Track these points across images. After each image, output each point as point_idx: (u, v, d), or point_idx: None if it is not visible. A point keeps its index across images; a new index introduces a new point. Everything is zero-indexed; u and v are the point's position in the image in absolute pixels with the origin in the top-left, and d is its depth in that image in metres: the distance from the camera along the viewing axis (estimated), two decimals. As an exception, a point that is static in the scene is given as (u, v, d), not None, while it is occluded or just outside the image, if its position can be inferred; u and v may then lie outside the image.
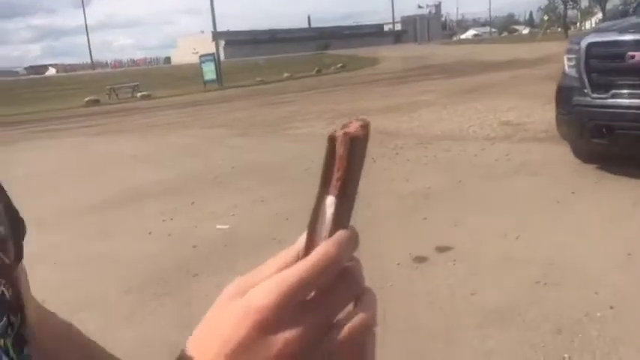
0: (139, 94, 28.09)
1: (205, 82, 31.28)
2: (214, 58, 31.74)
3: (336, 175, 0.44)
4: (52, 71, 66.98)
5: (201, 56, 32.72)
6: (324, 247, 0.37)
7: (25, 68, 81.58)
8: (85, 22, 56.54)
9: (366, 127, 0.47)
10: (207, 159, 8.66)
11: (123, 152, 10.12)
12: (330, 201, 0.42)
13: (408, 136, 9.20)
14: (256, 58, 50.30)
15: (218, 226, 5.20)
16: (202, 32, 37.19)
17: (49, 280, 4.14)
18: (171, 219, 5.63)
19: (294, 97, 19.78)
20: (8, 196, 0.53)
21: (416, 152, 7.88)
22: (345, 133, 0.44)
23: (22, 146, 12.89)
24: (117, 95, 28.57)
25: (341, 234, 0.38)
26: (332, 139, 0.45)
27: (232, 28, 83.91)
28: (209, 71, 31.59)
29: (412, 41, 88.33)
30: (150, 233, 5.24)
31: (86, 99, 26.36)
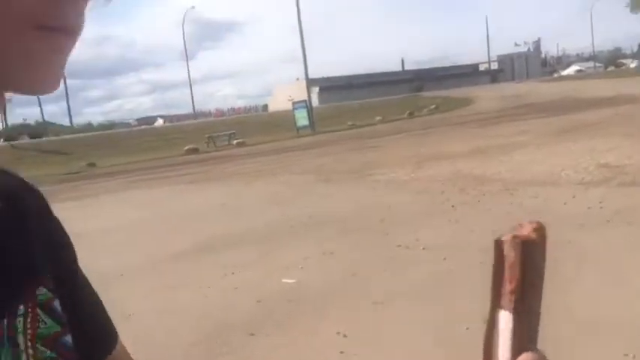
0: (234, 142, 29.18)
1: (298, 129, 32.02)
2: (306, 104, 32.47)
3: (509, 286, 0.41)
4: (159, 122, 71.36)
5: (293, 103, 33.62)
6: None
7: (137, 120, 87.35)
8: (189, 75, 60.00)
9: (540, 230, 0.44)
10: (288, 207, 8.70)
11: (212, 201, 10.41)
12: (505, 317, 0.39)
13: (494, 182, 8.78)
14: (350, 103, 50.93)
15: (284, 280, 5.13)
16: (297, 79, 38.28)
17: (120, 331, 4.21)
18: (242, 271, 5.63)
19: (382, 141, 19.72)
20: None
21: (500, 199, 7.48)
22: (515, 237, 0.41)
23: (120, 196, 13.64)
24: (215, 143, 29.82)
25: None
26: (499, 244, 0.42)
27: (328, 74, 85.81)
28: (301, 117, 32.36)
29: (509, 80, 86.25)
30: (220, 286, 5.26)
31: (186, 148, 27.71)
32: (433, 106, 40.82)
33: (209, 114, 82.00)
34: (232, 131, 31.42)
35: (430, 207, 7.56)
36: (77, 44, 0.43)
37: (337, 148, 19.02)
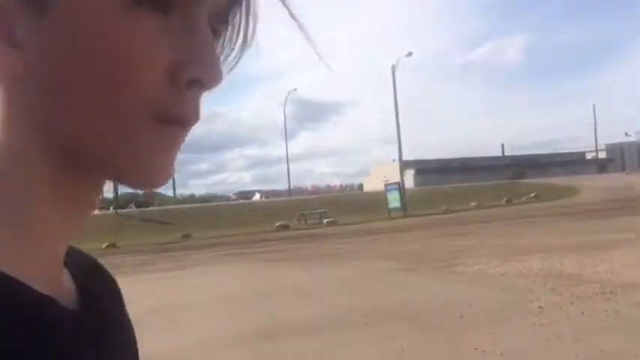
0: (325, 221, 29.29)
1: (390, 210, 31.73)
2: (399, 186, 32.26)
3: None
4: (257, 196, 73.48)
5: (386, 185, 33.54)
6: None
7: (236, 193, 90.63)
8: (287, 152, 61.91)
9: None
10: (362, 296, 8.37)
11: (287, 282, 10.27)
12: None
13: (590, 283, 8.02)
14: (445, 187, 50.12)
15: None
16: (394, 161, 38.33)
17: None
18: (302, 364, 5.35)
19: (474, 228, 18.97)
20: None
21: (595, 304, 6.76)
22: None
23: (206, 270, 13.83)
24: (306, 221, 30.11)
25: None
26: None
27: (425, 156, 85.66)
28: (394, 199, 32.12)
29: (619, 171, 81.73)
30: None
31: (277, 224, 28.12)
32: (532, 194, 39.24)
33: (305, 190, 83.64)
34: (324, 210, 31.64)
35: (515, 306, 6.96)
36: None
37: (426, 234, 18.49)
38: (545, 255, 10.93)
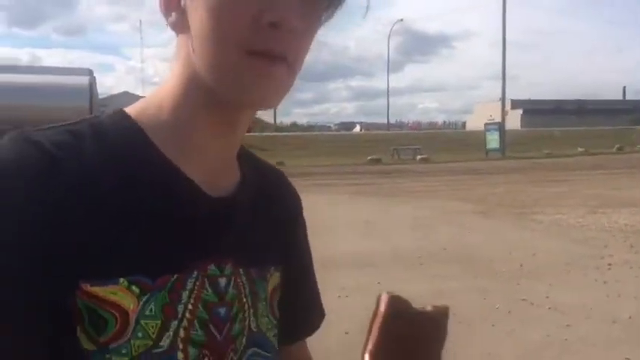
0: (418, 157, 28.87)
1: (487, 151, 30.65)
2: (499, 126, 30.95)
3: (368, 336, 0.47)
4: (357, 128, 73.41)
5: (486, 124, 32.28)
6: None
7: (337, 124, 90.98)
8: (388, 86, 61.06)
9: (441, 309, 0.53)
10: (427, 236, 8.30)
11: (359, 216, 10.35)
12: None
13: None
14: (553, 129, 47.46)
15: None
16: (500, 99, 36.57)
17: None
18: (347, 296, 5.46)
19: (572, 175, 17.97)
20: None
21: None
22: (388, 293, 0.49)
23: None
24: (399, 156, 29.84)
25: None
26: (378, 298, 0.50)
27: (536, 96, 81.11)
28: (492, 140, 30.93)
29: None
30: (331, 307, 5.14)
31: (369, 157, 28.09)
32: (649, 143, 36.26)
33: (406, 125, 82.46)
34: (418, 146, 31.13)
35: (582, 261, 6.65)
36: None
37: (518, 178, 17.78)
38: (637, 209, 10.22)
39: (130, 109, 0.63)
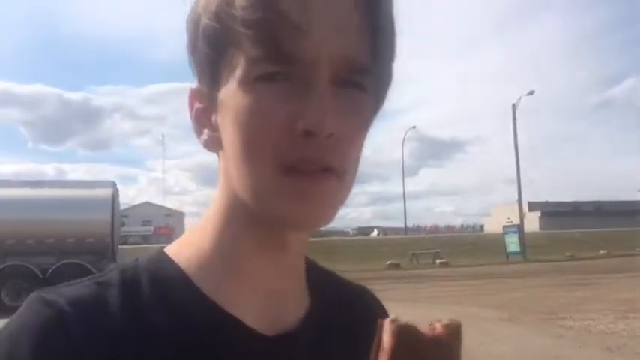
0: (438, 261, 28.52)
1: (508, 254, 30.26)
2: (518, 229, 30.75)
3: None
4: (375, 233, 73.19)
5: (504, 226, 32.10)
6: None
7: (354, 229, 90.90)
8: (404, 189, 61.44)
9: (450, 327, 0.44)
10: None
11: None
12: None
13: None
14: (573, 232, 46.95)
15: None
16: (517, 202, 36.70)
17: None
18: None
19: (598, 278, 17.55)
20: None
21: None
22: (393, 321, 0.42)
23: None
24: (418, 260, 29.50)
25: None
26: (380, 326, 0.43)
27: (552, 198, 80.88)
28: (512, 243, 30.61)
29: None
30: None
31: (388, 262, 27.82)
32: (673, 244, 35.55)
33: (423, 229, 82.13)
34: (437, 250, 30.85)
35: (618, 371, 6.36)
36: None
37: (541, 281, 17.40)
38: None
39: (170, 248, 0.60)
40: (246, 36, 0.50)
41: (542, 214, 69.42)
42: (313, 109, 0.49)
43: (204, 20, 0.53)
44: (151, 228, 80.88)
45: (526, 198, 46.87)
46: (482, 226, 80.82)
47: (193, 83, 0.59)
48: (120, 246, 17.95)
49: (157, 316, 0.54)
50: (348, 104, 0.52)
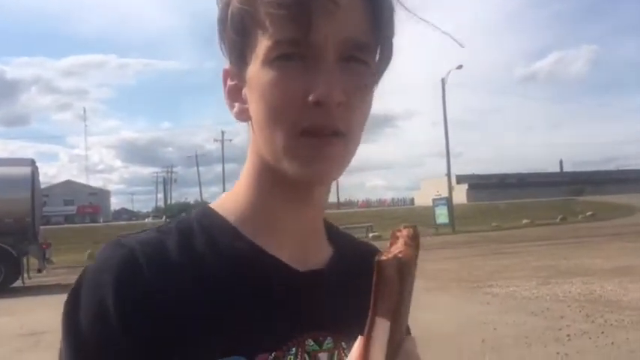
0: (370, 235, 28.97)
1: (437, 226, 31.13)
2: (447, 201, 31.63)
3: (388, 300, 0.47)
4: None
5: (434, 199, 32.96)
6: None
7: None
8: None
9: (415, 238, 0.52)
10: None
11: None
12: (382, 324, 0.47)
13: (629, 310, 7.54)
14: (498, 203, 48.85)
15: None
16: (446, 175, 37.66)
17: None
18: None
19: (520, 247, 18.33)
20: None
21: (627, 333, 6.33)
22: (396, 257, 0.49)
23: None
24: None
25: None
26: (380, 264, 0.49)
27: (480, 171, 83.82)
28: (441, 215, 31.50)
29: (688, 188, 77.64)
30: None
31: (321, 237, 28.01)
32: (589, 213, 37.73)
33: (355, 203, 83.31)
34: (370, 224, 31.35)
35: (542, 333, 6.60)
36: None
37: (470, 251, 18.01)
38: (587, 278, 10.40)
39: (214, 204, 0.72)
40: (277, 16, 0.59)
41: (469, 186, 71.78)
42: (322, 82, 0.59)
43: (234, 4, 0.63)
44: (74, 207, 77.99)
45: (454, 171, 48.13)
46: (412, 200, 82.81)
47: (226, 64, 0.69)
48: (41, 227, 17.12)
49: (209, 256, 0.64)
50: (352, 77, 0.61)
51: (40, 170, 17.09)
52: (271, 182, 0.67)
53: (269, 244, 0.67)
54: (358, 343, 0.50)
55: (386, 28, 0.63)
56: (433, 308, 8.55)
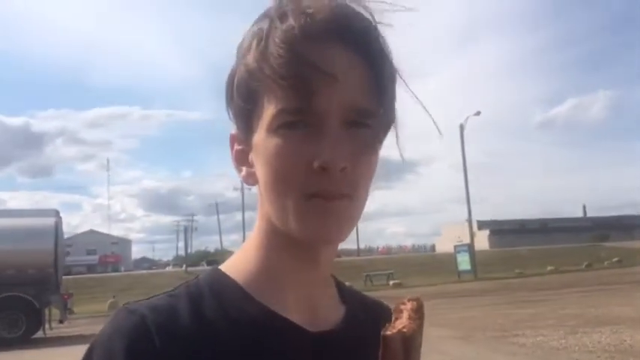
0: (391, 282, 28.63)
1: (459, 273, 30.68)
2: (469, 248, 31.26)
3: None
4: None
5: (455, 246, 32.58)
6: None
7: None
8: (357, 212, 61.59)
9: (420, 309, 0.54)
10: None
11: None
12: None
13: (662, 362, 7.29)
14: (520, 249, 48.09)
15: None
16: (466, 221, 37.35)
17: None
18: None
19: (546, 295, 17.94)
20: None
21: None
22: (400, 332, 0.51)
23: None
24: (372, 282, 29.54)
25: None
26: (386, 339, 0.51)
27: (501, 217, 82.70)
28: (463, 261, 31.09)
29: None
30: None
31: (342, 285, 27.70)
32: (615, 259, 36.96)
33: (375, 250, 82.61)
34: (390, 271, 31.04)
35: (572, 386, 6.40)
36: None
37: (493, 299, 17.65)
38: (617, 327, 10.10)
39: (223, 266, 0.73)
40: (280, 86, 0.61)
41: (490, 232, 70.86)
42: (326, 148, 0.61)
43: (240, 74, 0.66)
44: (96, 257, 78.43)
45: (475, 216, 47.67)
46: (433, 246, 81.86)
47: (232, 129, 0.72)
48: (63, 276, 17.23)
49: (219, 322, 0.65)
50: (356, 142, 0.63)
51: (63, 220, 17.31)
52: (280, 244, 0.68)
53: (279, 305, 0.68)
54: None
55: (386, 93, 0.65)
56: (458, 359, 8.37)
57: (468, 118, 35.61)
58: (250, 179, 0.70)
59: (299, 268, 0.69)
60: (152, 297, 0.68)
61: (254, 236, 0.71)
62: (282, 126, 0.62)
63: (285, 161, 0.62)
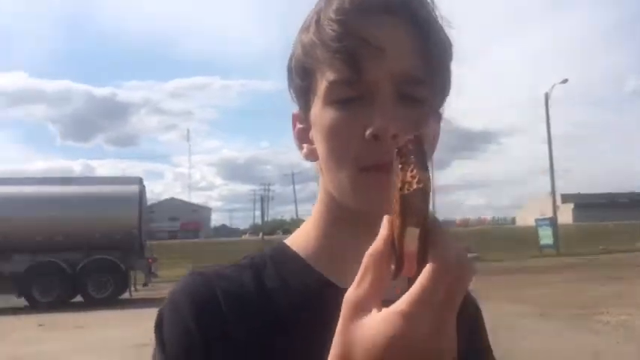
0: (469, 256, 28.07)
1: (541, 248, 29.63)
2: (551, 222, 30.07)
3: (423, 216, 0.49)
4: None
5: (537, 220, 31.43)
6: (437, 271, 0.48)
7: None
8: (432, 184, 60.72)
9: (418, 142, 0.52)
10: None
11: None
12: (413, 234, 0.49)
13: None
14: (607, 224, 45.86)
15: None
16: (550, 194, 35.79)
17: None
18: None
19: (632, 272, 17.00)
20: None
21: None
22: (419, 189, 0.49)
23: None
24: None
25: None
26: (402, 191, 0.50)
27: (587, 190, 79.11)
28: (545, 236, 29.94)
29: None
30: None
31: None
32: None
33: (453, 223, 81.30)
34: (466, 245, 30.37)
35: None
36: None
37: (576, 276, 16.94)
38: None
39: (288, 240, 0.78)
40: (331, 59, 0.65)
41: (575, 205, 68.00)
42: (378, 117, 0.63)
43: (297, 54, 0.71)
44: (178, 223, 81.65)
45: (560, 189, 45.80)
46: (514, 219, 79.63)
47: (295, 109, 0.76)
48: (148, 241, 18.04)
49: (278, 290, 0.70)
50: (407, 110, 0.65)
51: (147, 188, 18.05)
52: (339, 216, 0.72)
53: (337, 275, 0.71)
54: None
55: (437, 62, 0.67)
56: (538, 336, 8.11)
57: (554, 86, 33.95)
58: (311, 156, 0.73)
59: (357, 240, 0.69)
60: (217, 265, 0.73)
61: (316, 209, 0.76)
62: (335, 99, 0.66)
63: (339, 133, 0.66)
